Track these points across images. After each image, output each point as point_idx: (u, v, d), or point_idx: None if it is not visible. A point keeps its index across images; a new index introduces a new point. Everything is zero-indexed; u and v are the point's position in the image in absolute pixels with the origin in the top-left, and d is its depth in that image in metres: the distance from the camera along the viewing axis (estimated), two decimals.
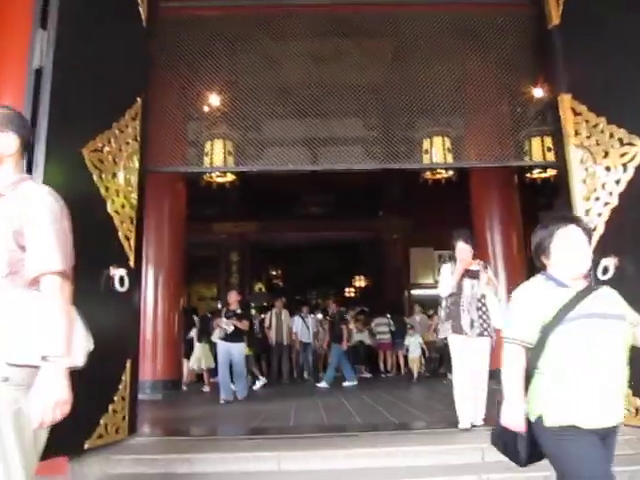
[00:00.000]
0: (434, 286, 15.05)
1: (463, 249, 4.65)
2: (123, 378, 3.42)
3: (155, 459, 3.22)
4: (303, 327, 10.78)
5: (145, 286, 7.27)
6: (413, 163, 5.43)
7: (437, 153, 7.30)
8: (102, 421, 3.24)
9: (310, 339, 10.90)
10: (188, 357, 9.48)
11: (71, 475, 3.03)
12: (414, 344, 10.36)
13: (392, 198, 15.33)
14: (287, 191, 15.45)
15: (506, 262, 7.74)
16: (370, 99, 6.05)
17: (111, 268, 3.31)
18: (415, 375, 9.92)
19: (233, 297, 7.14)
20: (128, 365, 3.49)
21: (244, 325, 6.80)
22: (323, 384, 8.78)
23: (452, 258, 4.93)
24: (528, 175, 7.81)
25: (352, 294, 18.23)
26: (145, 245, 7.12)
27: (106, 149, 3.46)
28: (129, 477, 3.11)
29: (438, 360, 11.22)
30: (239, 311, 6.88)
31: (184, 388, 8.66)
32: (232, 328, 6.72)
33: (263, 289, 14.31)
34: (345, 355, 9.35)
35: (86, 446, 3.12)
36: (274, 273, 17.62)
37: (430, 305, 16.17)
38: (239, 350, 6.76)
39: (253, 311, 13.11)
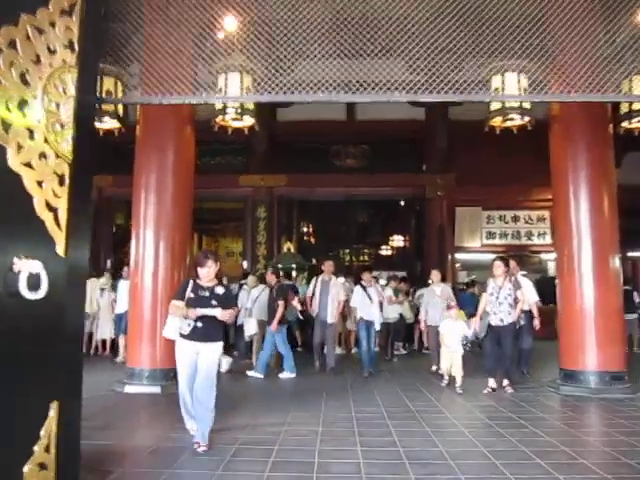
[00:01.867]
0: (482, 250, 13.65)
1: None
2: (44, 429, 2.21)
3: None
4: (364, 299, 7.82)
5: (142, 255, 6.08)
6: (477, 95, 3.91)
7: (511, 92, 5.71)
8: None
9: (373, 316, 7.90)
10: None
11: None
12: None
13: (437, 151, 13.69)
14: (319, 141, 14.03)
15: (595, 232, 6.21)
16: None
17: (15, 260, 2.05)
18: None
19: (208, 265, 4.15)
20: (54, 408, 2.27)
21: (228, 316, 4.07)
22: (254, 373, 7.42)
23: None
24: (625, 124, 6.17)
25: (389, 254, 16.88)
26: (141, 206, 6.11)
27: (6, 58, 2.15)
28: None
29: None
30: (220, 290, 4.19)
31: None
32: (192, 322, 4.04)
33: (292, 249, 13.03)
34: (282, 337, 7.60)
35: None
36: (305, 230, 16.32)
37: (477, 271, 14.78)
38: (212, 355, 4.07)
39: (294, 275, 11.93)
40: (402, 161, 13.99)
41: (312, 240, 17.61)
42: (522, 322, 6.66)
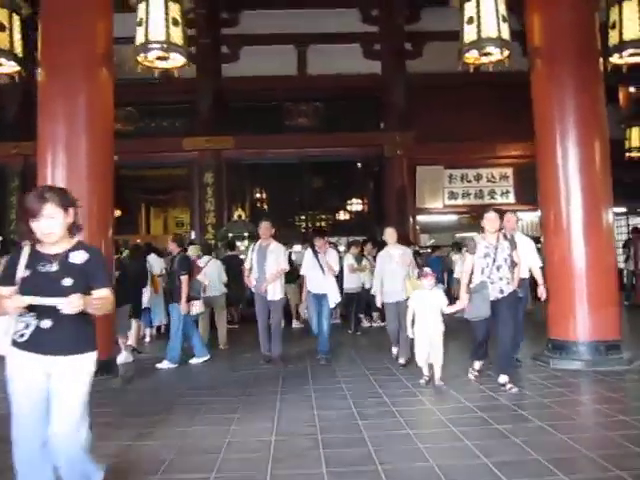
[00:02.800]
0: (443, 212, 12.95)
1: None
2: None
3: None
4: (315, 268, 6.51)
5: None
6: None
7: (487, 21, 4.82)
8: None
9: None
10: (138, 315, 7.38)
11: None
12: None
13: (395, 107, 12.81)
14: (268, 98, 12.94)
15: (586, 184, 5.46)
16: None
17: None
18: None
19: (47, 214, 2.41)
20: None
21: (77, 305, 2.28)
22: (165, 364, 6.36)
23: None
24: (615, 59, 5.35)
25: (347, 219, 16.02)
26: (47, 169, 4.95)
27: None
28: None
29: None
30: (78, 258, 2.49)
31: (130, 358, 6.62)
32: (30, 320, 2.41)
33: (243, 216, 11.99)
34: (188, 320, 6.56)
35: None
36: (257, 196, 15.23)
37: (437, 233, 14.12)
38: (76, 376, 2.45)
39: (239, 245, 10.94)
40: (358, 119, 13.09)
41: (265, 207, 16.60)
42: (521, 294, 5.24)
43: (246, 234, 11.12)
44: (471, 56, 5.19)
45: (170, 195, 20.80)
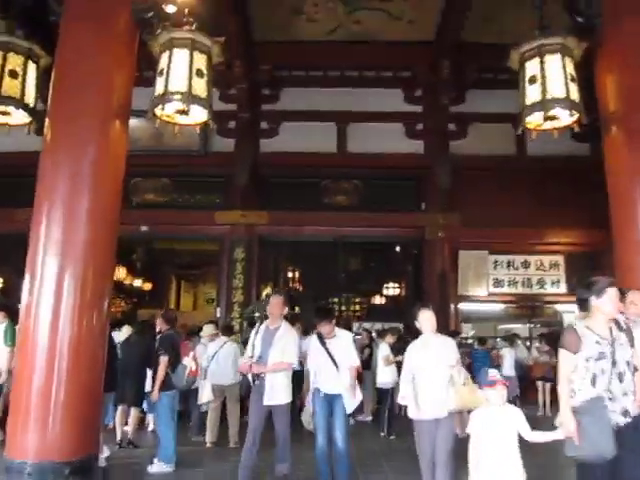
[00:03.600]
0: (487, 300, 11.94)
1: None
2: None
3: None
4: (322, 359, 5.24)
5: (36, 297, 4.25)
6: None
7: (553, 80, 4.18)
8: None
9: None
10: (139, 402, 6.56)
11: None
12: None
13: (438, 188, 12.21)
14: (306, 175, 12.58)
15: None
16: None
17: None
18: None
19: None
20: None
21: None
22: (158, 467, 5.37)
23: None
24: None
25: (383, 303, 15.14)
26: (42, 225, 4.05)
27: None
28: None
29: None
30: None
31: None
32: None
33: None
34: (165, 409, 5.61)
35: None
36: (289, 275, 14.60)
37: (479, 323, 13.05)
38: None
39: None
40: (399, 199, 12.53)
41: (297, 286, 15.91)
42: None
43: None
44: (533, 121, 4.51)
45: (202, 270, 20.42)
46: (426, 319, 4.49)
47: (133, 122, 12.05)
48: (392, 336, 8.02)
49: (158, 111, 4.33)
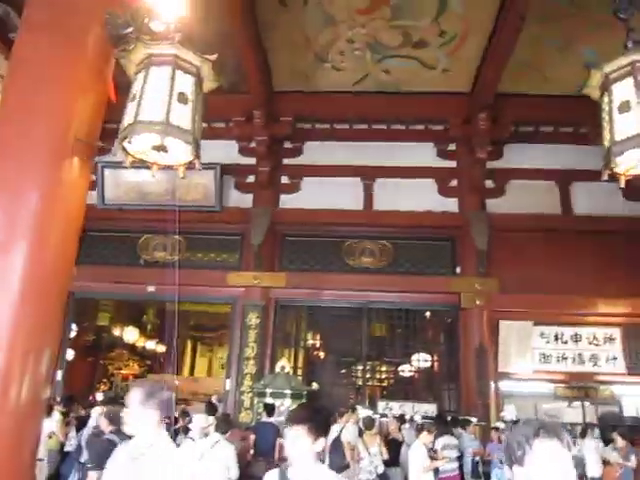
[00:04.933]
0: (532, 378, 10.38)
1: None
2: None
3: None
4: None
5: None
6: None
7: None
8: None
9: None
10: None
11: None
12: None
13: (474, 250, 11.01)
14: (329, 234, 11.57)
15: None
16: None
17: None
18: None
19: None
20: None
21: None
22: None
23: None
24: None
25: (411, 376, 13.64)
26: None
27: None
28: None
29: None
30: None
31: None
32: None
33: (287, 367, 9.96)
34: None
35: None
36: (309, 342, 13.28)
37: (524, 406, 11.45)
38: None
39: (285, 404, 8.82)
40: (431, 262, 11.36)
41: (318, 354, 14.58)
42: None
43: (288, 391, 9.05)
44: (624, 162, 3.34)
45: (218, 333, 19.20)
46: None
47: (144, 175, 11.48)
48: (429, 434, 6.48)
49: (128, 147, 3.32)
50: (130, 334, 16.96)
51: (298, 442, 2.36)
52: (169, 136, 3.25)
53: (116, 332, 16.88)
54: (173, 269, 11.62)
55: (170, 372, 18.71)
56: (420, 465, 5.93)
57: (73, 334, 12.73)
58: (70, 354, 14.89)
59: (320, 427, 2.46)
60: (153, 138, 3.29)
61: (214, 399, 10.06)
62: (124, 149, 3.40)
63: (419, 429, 6.42)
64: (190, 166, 3.57)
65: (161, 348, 18.38)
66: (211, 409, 6.44)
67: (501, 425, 8.93)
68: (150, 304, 17.41)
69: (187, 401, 16.97)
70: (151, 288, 11.42)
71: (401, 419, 8.23)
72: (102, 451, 3.89)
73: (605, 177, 3.31)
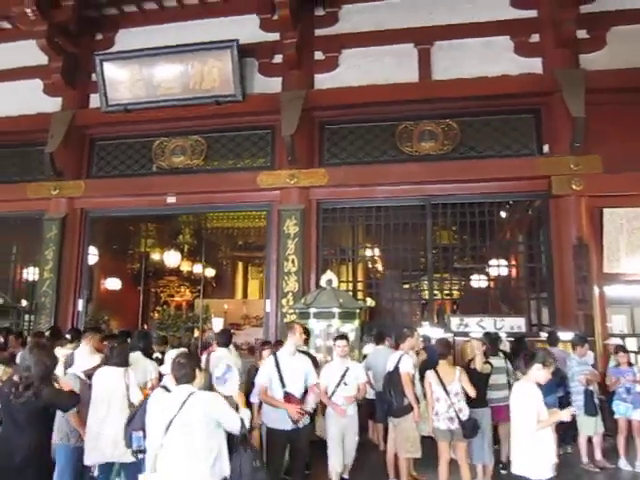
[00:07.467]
0: None
1: None
2: None
3: None
4: None
5: None
6: None
7: None
8: None
9: None
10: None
11: None
12: None
13: (567, 122, 8.44)
14: (377, 117, 9.35)
15: None
16: None
17: None
18: None
19: None
20: None
21: None
22: None
23: None
24: None
25: (487, 287, 11.59)
26: None
27: None
28: None
29: None
30: None
31: None
32: None
33: (335, 282, 8.01)
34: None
35: None
36: (364, 252, 11.30)
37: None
38: None
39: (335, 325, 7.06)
40: (510, 141, 9.03)
41: (375, 266, 12.71)
42: None
43: (335, 309, 7.20)
44: None
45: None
46: None
47: (148, 64, 9.45)
48: (545, 368, 3.99)
49: None
50: (172, 258, 15.60)
51: None
52: None
53: (155, 257, 15.58)
54: (194, 175, 9.87)
55: (225, 296, 17.66)
56: (532, 415, 3.73)
57: (94, 259, 11.29)
58: (117, 283, 13.81)
59: None
60: None
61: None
62: None
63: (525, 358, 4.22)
64: None
65: (210, 272, 17.11)
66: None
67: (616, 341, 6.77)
68: (188, 223, 15.91)
69: (238, 325, 15.93)
70: (171, 199, 9.70)
71: (493, 339, 5.88)
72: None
73: None
